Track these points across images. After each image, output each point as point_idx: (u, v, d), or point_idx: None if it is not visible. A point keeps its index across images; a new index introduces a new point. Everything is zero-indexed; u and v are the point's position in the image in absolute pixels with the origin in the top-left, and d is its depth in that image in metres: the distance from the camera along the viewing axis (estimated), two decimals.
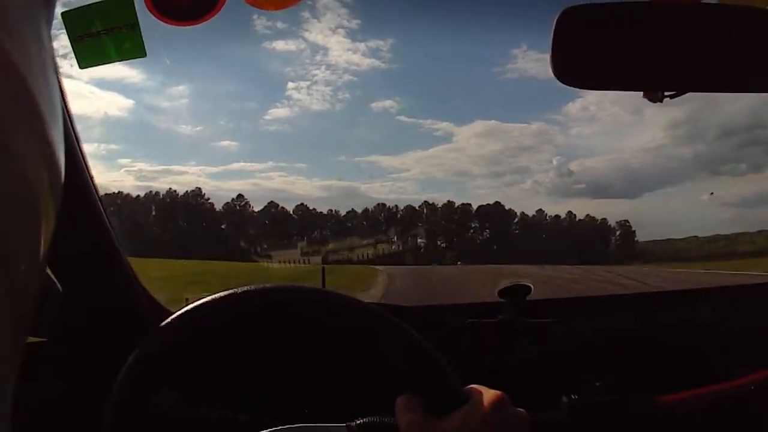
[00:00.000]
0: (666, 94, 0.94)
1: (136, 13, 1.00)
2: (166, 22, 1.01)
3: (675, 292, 1.66)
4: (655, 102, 0.95)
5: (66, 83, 0.97)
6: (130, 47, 1.01)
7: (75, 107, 1.05)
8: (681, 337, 1.37)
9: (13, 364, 0.27)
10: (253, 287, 0.81)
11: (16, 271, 0.25)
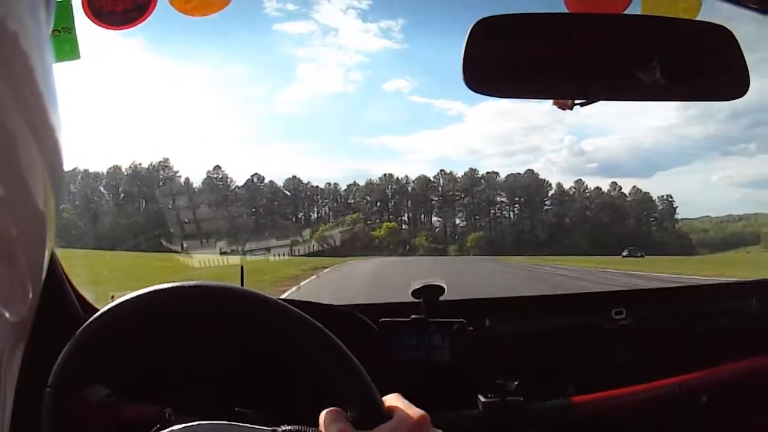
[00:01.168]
0: (576, 102, 0.96)
1: (73, 18, 1.04)
2: (102, 27, 1.05)
3: (592, 294, 1.67)
4: (565, 109, 0.97)
5: None
6: (67, 50, 1.05)
7: None
8: (597, 339, 1.38)
9: (13, 363, 0.28)
10: (173, 284, 0.82)
11: (20, 270, 0.25)
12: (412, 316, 1.24)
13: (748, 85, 0.90)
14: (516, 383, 1.21)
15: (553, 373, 1.29)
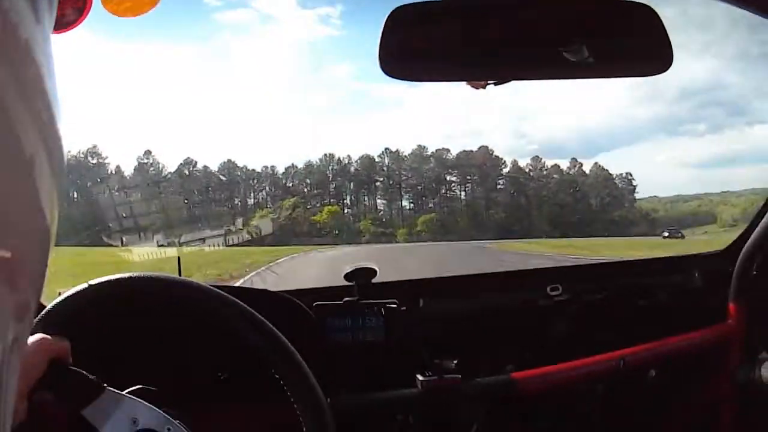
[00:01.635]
0: (490, 81, 0.95)
1: None
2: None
3: (527, 271, 1.70)
4: (478, 89, 0.98)
5: None
6: None
7: None
8: (534, 315, 1.42)
9: (14, 361, 0.27)
10: (110, 278, 0.94)
11: (23, 267, 0.26)
12: (345, 299, 1.26)
13: (672, 60, 0.92)
14: (455, 362, 1.24)
15: (492, 351, 1.33)
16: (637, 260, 1.86)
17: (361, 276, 1.27)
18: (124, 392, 0.87)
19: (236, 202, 35.57)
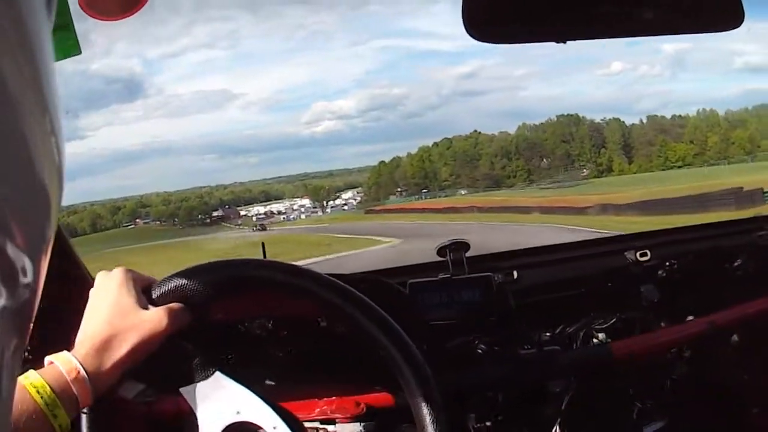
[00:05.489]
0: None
1: (70, 14, 1.09)
2: (101, 20, 1.09)
3: (615, 237, 1.70)
4: (558, 42, 1.00)
5: None
6: (66, 47, 1.09)
7: None
8: (624, 282, 1.44)
9: (14, 364, 0.27)
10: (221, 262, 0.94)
11: (21, 264, 0.26)
12: (440, 275, 1.30)
13: (743, 16, 0.96)
14: (549, 333, 1.27)
15: (585, 320, 1.34)
16: (722, 222, 1.83)
17: (454, 250, 1.31)
18: (233, 380, 0.88)
19: None
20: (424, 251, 1.45)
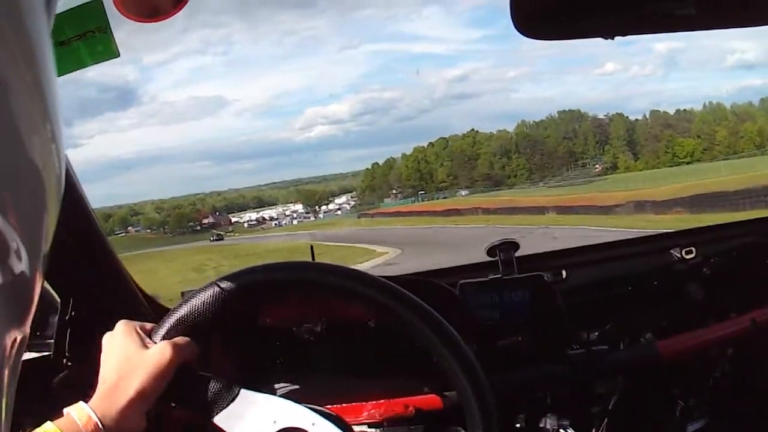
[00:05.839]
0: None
1: (106, 16, 1.10)
2: (138, 21, 1.10)
3: (660, 235, 1.73)
4: (606, 38, 1.02)
5: None
6: (103, 49, 1.11)
7: None
8: (670, 280, 1.46)
9: (15, 364, 0.29)
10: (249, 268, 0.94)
11: (18, 265, 0.26)
12: (490, 276, 1.33)
13: None
14: (597, 332, 1.30)
15: (631, 319, 1.38)
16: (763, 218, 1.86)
17: (504, 250, 1.34)
18: (259, 392, 0.89)
19: None
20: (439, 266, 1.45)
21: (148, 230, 46.93)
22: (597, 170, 40.15)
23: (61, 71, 1.11)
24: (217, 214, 47.00)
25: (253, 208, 49.04)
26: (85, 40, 1.10)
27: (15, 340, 0.28)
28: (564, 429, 1.22)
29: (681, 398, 1.38)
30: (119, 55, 1.11)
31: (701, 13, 0.96)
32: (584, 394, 1.28)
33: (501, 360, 1.23)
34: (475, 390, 0.90)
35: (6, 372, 0.28)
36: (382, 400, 1.05)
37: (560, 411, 1.23)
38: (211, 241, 37.80)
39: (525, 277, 1.33)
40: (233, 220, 46.38)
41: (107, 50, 1.11)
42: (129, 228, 46.58)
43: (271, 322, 1.09)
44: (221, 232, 41.02)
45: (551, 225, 22.22)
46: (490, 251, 1.34)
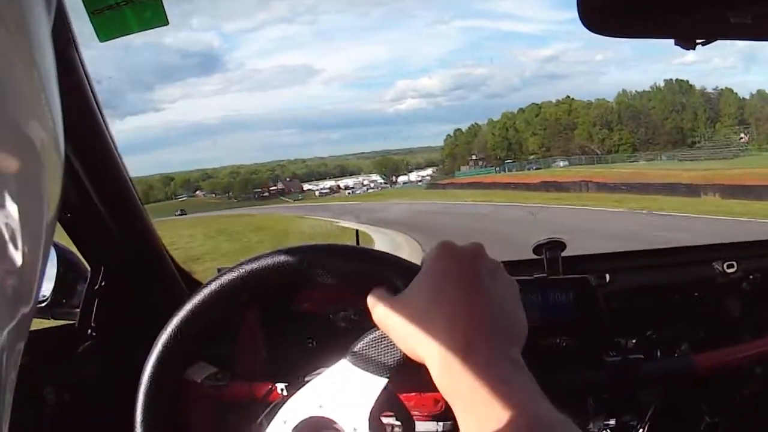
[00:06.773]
0: (698, 41, 0.98)
1: None
2: None
3: (704, 247, 1.73)
4: (688, 49, 1.00)
5: None
6: (151, 16, 1.15)
7: None
8: (710, 293, 1.49)
9: (14, 356, 0.29)
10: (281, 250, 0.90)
11: (19, 260, 0.27)
12: (535, 275, 1.37)
13: None
14: (635, 341, 1.34)
15: (670, 329, 1.42)
16: None
17: (550, 249, 1.37)
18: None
19: None
20: None
21: (212, 195, 48.64)
22: (743, 140, 37.06)
23: (107, 36, 1.15)
24: (288, 180, 47.85)
25: (334, 177, 49.97)
26: (133, 4, 1.12)
27: (14, 335, 0.28)
28: None
29: (707, 414, 1.41)
30: (168, 23, 1.14)
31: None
32: (624, 401, 1.32)
33: (538, 361, 1.24)
34: None
35: (5, 367, 0.28)
36: (413, 394, 1.08)
37: (601, 417, 1.27)
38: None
39: (570, 279, 1.36)
40: (306, 187, 47.11)
41: (156, 17, 1.15)
42: (197, 192, 48.66)
43: (308, 307, 1.12)
44: (289, 199, 41.46)
45: (720, 215, 15.55)
46: (536, 249, 1.37)
